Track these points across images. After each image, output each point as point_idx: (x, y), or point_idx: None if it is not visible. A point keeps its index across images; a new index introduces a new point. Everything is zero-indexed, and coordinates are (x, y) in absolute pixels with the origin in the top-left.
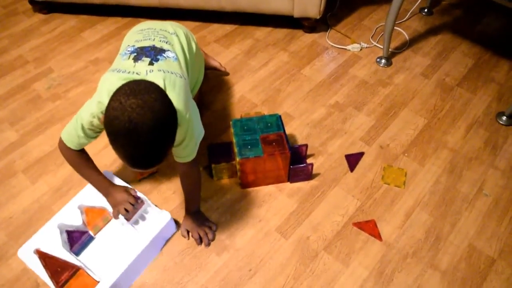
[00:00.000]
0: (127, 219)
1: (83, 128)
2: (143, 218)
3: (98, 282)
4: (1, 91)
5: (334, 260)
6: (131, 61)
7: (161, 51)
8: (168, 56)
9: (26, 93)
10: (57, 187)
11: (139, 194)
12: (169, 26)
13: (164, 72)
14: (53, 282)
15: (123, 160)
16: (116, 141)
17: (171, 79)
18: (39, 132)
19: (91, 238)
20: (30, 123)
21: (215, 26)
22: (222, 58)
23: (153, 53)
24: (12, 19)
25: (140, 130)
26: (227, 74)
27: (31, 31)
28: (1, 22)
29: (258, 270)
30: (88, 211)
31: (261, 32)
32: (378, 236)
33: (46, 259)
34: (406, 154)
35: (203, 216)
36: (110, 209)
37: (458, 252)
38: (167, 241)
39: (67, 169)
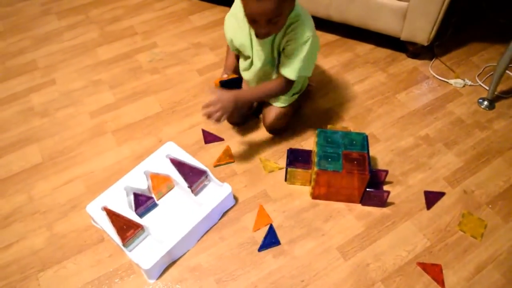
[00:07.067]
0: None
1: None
2: (204, 189)
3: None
4: (108, 56)
5: None
6: None
7: None
8: None
9: (129, 61)
10: (139, 154)
11: (202, 166)
12: None
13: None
14: (119, 238)
15: None
16: None
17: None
18: (133, 99)
19: (154, 204)
20: (127, 90)
21: (317, 33)
22: (318, 66)
23: None
24: None
25: None
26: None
27: (145, 6)
28: None
29: (311, 283)
30: (153, 177)
31: (363, 48)
32: (441, 283)
33: (113, 216)
34: (490, 206)
35: (237, 107)
36: (174, 177)
37: None
38: (224, 214)
39: (151, 140)
